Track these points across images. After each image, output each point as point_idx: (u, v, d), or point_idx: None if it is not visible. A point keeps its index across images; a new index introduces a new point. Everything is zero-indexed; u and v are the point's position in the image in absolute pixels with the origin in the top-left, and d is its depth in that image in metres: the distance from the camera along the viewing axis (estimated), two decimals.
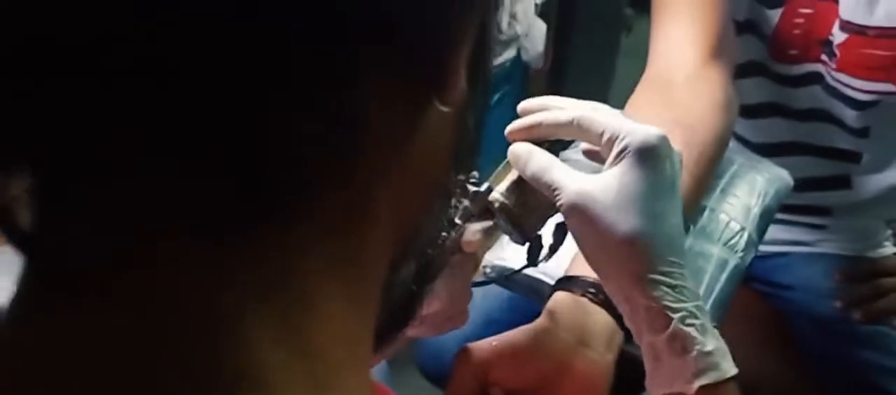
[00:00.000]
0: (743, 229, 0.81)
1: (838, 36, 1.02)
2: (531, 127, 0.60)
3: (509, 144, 0.93)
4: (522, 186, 0.58)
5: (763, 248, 1.24)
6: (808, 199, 1.19)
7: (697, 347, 0.52)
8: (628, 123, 0.55)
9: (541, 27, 1.41)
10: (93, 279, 0.26)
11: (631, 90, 0.90)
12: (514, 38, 1.36)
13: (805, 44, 1.05)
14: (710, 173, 0.81)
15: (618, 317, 0.67)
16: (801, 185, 1.18)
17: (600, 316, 0.66)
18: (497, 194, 0.58)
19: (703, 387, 0.52)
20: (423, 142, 0.30)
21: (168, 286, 0.25)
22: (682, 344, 0.52)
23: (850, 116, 1.09)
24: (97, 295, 0.26)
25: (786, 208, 1.21)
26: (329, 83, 0.25)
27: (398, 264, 0.34)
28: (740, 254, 0.80)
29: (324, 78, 0.25)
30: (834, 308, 1.18)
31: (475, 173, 0.56)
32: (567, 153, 0.91)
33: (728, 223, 0.82)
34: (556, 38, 1.60)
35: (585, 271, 0.69)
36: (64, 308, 0.26)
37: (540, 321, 0.65)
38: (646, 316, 0.53)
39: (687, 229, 0.80)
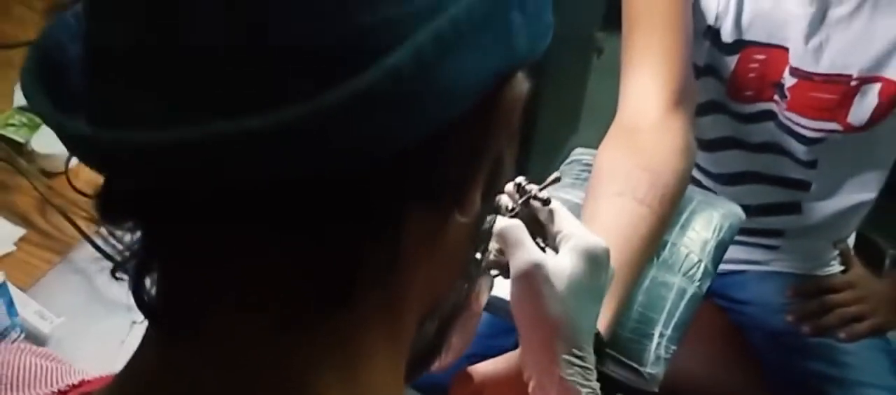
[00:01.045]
0: (700, 260, 0.93)
1: (788, 80, 1.13)
2: None
3: None
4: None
5: (723, 266, 1.35)
6: (763, 223, 1.31)
7: None
8: (584, 230, 0.65)
9: None
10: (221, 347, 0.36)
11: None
12: None
13: (759, 86, 1.16)
14: (673, 211, 0.92)
15: (594, 345, 0.77)
16: (757, 210, 1.30)
17: None
18: None
19: None
20: (447, 242, 0.40)
21: (269, 354, 0.36)
22: None
23: (800, 150, 1.21)
24: (217, 354, 0.36)
25: (743, 231, 1.32)
26: (385, 222, 0.36)
27: (424, 323, 0.44)
28: (698, 283, 0.91)
29: (383, 220, 0.35)
30: (786, 322, 1.29)
31: None
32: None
33: (687, 255, 0.93)
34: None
35: None
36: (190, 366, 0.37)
37: None
38: (558, 388, 0.63)
39: (651, 261, 0.91)
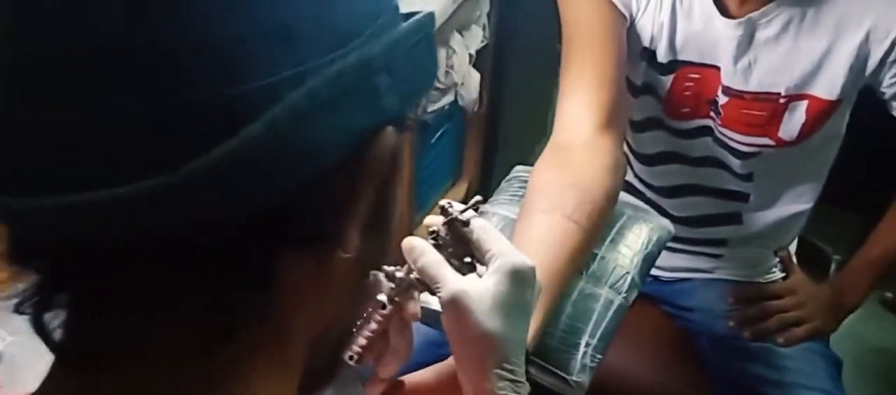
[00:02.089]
0: (628, 273, 0.98)
1: (721, 98, 1.19)
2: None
3: (447, 183, 1.08)
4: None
5: (669, 274, 1.42)
6: (705, 233, 1.37)
7: None
8: (510, 248, 0.70)
9: (475, 76, 1.58)
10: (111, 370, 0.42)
11: None
12: (452, 86, 1.53)
13: (696, 103, 1.22)
14: (601, 226, 0.98)
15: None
16: (700, 221, 1.36)
17: None
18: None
19: None
20: (332, 276, 0.46)
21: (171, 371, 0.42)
22: None
23: (736, 163, 1.26)
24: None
25: (688, 241, 1.39)
26: (256, 270, 0.41)
27: (317, 344, 0.49)
28: (624, 295, 0.97)
29: (253, 268, 0.41)
30: (728, 327, 1.35)
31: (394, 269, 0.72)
32: (486, 208, 1.07)
33: (615, 268, 0.98)
34: (493, 81, 1.76)
35: None
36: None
37: (450, 361, 0.80)
38: None
39: (580, 274, 0.97)
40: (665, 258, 1.40)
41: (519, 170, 1.13)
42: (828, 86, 1.15)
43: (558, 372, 0.90)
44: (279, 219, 0.40)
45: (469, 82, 1.55)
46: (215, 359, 0.42)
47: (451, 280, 0.68)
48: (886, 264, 1.34)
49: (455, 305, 0.68)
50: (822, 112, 1.18)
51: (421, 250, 0.71)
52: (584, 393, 0.92)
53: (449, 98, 1.55)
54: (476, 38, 1.56)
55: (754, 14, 1.12)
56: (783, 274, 1.40)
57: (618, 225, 1.03)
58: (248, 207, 0.37)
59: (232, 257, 0.39)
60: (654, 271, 1.41)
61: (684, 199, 1.33)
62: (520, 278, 0.69)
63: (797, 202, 1.34)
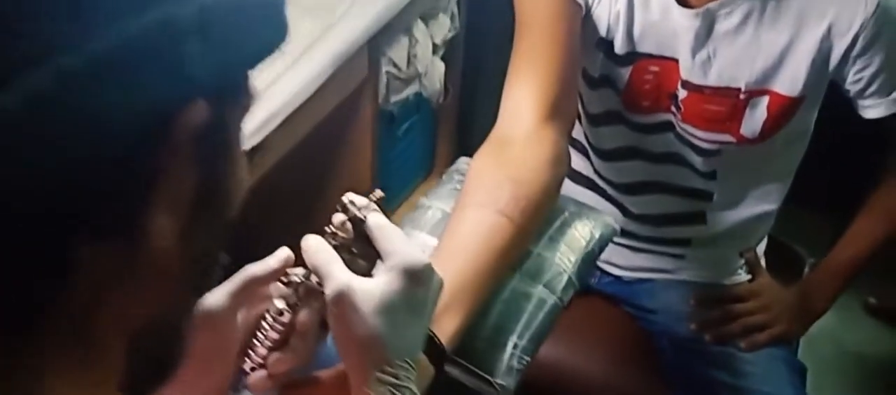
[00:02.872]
0: (564, 272, 0.94)
1: (681, 92, 1.15)
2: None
3: (418, 178, 1.04)
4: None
5: (630, 274, 1.38)
6: (668, 232, 1.32)
7: None
8: (404, 246, 0.67)
9: (439, 67, 1.53)
10: None
11: None
12: (415, 77, 1.48)
13: (656, 96, 1.18)
14: (536, 221, 0.93)
15: (433, 356, 0.79)
16: (662, 220, 1.32)
17: None
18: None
19: None
20: (145, 266, 0.42)
21: None
22: None
23: (697, 161, 1.22)
24: None
25: (650, 240, 1.34)
26: (50, 262, 0.37)
27: (140, 341, 0.45)
28: (559, 295, 0.92)
29: (46, 260, 0.37)
30: (690, 330, 1.31)
31: (299, 271, 0.68)
32: (423, 200, 1.03)
33: (551, 266, 0.94)
34: (465, 72, 1.72)
35: None
36: None
37: None
38: None
39: (513, 272, 0.93)
40: (627, 258, 1.36)
41: (462, 161, 1.08)
42: (790, 81, 1.11)
43: (482, 374, 0.86)
44: (69, 201, 0.36)
45: (432, 73, 1.51)
46: (8, 358, 0.39)
47: (337, 276, 0.65)
48: (856, 269, 1.29)
49: (339, 302, 0.64)
50: (784, 109, 1.14)
51: (315, 247, 0.67)
52: None
53: (413, 89, 1.51)
54: (443, 27, 1.52)
55: (713, 5, 1.08)
56: (749, 276, 1.35)
57: (558, 222, 0.98)
58: (26, 186, 0.34)
59: (20, 244, 0.35)
60: (615, 271, 1.38)
61: (645, 196, 1.29)
62: (412, 278, 0.66)
63: (763, 202, 1.29)
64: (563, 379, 1.34)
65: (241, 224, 0.69)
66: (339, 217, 0.69)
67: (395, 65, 1.44)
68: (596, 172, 1.30)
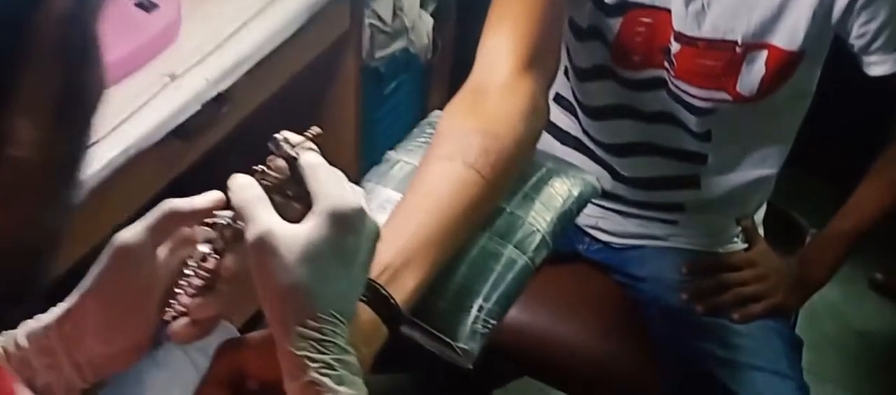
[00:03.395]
0: (536, 231, 0.87)
1: (674, 45, 1.08)
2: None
3: (397, 140, 0.99)
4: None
5: (620, 241, 1.31)
6: (660, 197, 1.26)
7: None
8: (335, 188, 0.60)
9: (426, 20, 1.46)
10: None
11: None
12: (401, 31, 1.42)
13: (648, 50, 1.11)
14: (509, 177, 0.87)
15: (386, 317, 0.73)
16: (654, 183, 1.25)
17: (363, 313, 0.72)
18: None
19: None
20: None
21: None
22: (314, 393, 0.57)
23: (691, 120, 1.15)
24: None
25: (640, 205, 1.28)
26: None
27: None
28: (530, 255, 0.86)
29: None
30: (681, 300, 1.24)
31: (227, 214, 0.62)
32: (390, 154, 0.97)
33: (523, 225, 0.87)
34: (458, 28, 1.65)
35: None
36: None
37: None
38: (287, 362, 0.59)
39: (482, 230, 0.86)
40: (616, 224, 1.30)
41: (434, 114, 1.02)
42: (789, 35, 1.04)
43: (443, 337, 0.80)
44: None
45: (420, 27, 1.44)
46: None
47: (259, 219, 0.59)
48: (859, 238, 1.22)
49: (259, 248, 0.58)
50: (783, 64, 1.06)
51: (240, 185, 0.61)
52: (472, 362, 0.81)
53: (400, 44, 1.45)
54: None
55: None
56: (745, 245, 1.28)
57: (534, 179, 0.92)
58: None
59: None
60: (604, 238, 1.32)
61: (636, 158, 1.22)
62: (340, 223, 0.59)
63: (761, 167, 1.22)
64: (549, 348, 1.28)
65: (214, 187, 0.64)
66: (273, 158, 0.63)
67: (379, 18, 1.37)
68: (584, 131, 1.23)
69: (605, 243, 1.32)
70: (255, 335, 0.69)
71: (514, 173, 0.88)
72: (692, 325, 1.22)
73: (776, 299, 1.23)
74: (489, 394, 1.62)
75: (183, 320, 0.63)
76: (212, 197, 0.63)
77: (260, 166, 0.62)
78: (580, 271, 1.33)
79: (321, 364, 0.58)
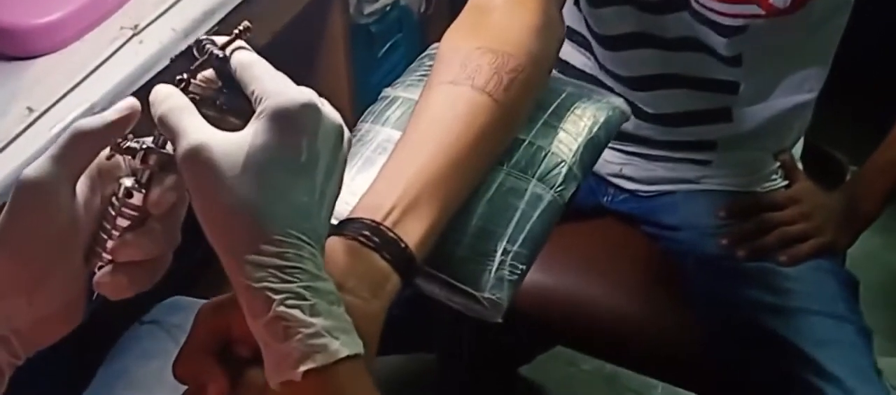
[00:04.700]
0: (563, 162, 0.76)
1: None
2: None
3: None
4: None
5: (648, 188, 1.20)
6: (689, 134, 1.14)
7: (302, 329, 0.47)
8: (278, 86, 0.49)
9: None
10: None
11: None
12: None
13: None
14: (525, 100, 0.75)
15: (396, 263, 0.62)
16: (681, 119, 1.13)
17: (370, 260, 0.61)
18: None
19: (314, 371, 0.47)
20: None
21: None
22: (283, 329, 0.47)
23: (720, 43, 1.03)
24: None
25: (668, 145, 1.16)
26: None
27: None
28: (558, 189, 0.74)
29: None
30: (719, 246, 1.13)
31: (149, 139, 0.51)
32: (388, 90, 0.86)
33: (546, 156, 0.76)
34: None
35: (367, 212, 0.64)
36: None
37: None
38: (246, 298, 0.48)
39: (499, 165, 0.75)
40: (642, 169, 1.18)
41: (433, 46, 0.90)
42: None
43: (465, 288, 0.68)
44: None
45: None
46: None
47: (190, 132, 0.47)
48: None
49: (192, 165, 0.47)
50: None
51: (163, 95, 0.50)
52: (501, 314, 0.70)
53: None
54: None
55: None
56: (785, 182, 1.16)
57: (554, 105, 0.80)
58: None
59: None
60: (630, 186, 1.20)
61: (661, 92, 1.10)
62: (288, 123, 0.48)
63: (798, 92, 1.11)
64: (579, 312, 1.16)
65: None
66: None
67: None
68: (600, 66, 1.12)
69: (632, 192, 1.20)
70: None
71: (530, 97, 0.76)
72: (734, 272, 1.11)
73: (825, 237, 1.11)
74: (516, 372, 1.50)
75: (107, 269, 0.51)
76: (126, 105, 0.50)
77: (182, 75, 0.51)
78: (606, 225, 1.22)
79: (287, 295, 0.47)
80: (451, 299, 0.70)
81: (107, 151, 0.51)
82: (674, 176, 1.18)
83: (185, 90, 0.51)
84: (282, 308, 0.47)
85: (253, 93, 0.49)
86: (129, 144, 0.50)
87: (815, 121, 1.19)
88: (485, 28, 0.77)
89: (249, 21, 0.54)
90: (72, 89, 0.83)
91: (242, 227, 0.47)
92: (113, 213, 0.51)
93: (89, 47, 0.87)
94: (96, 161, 0.52)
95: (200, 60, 0.51)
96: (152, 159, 0.50)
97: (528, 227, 0.72)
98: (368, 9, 1.29)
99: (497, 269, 0.69)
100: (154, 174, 0.51)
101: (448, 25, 0.81)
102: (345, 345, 0.48)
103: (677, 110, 1.12)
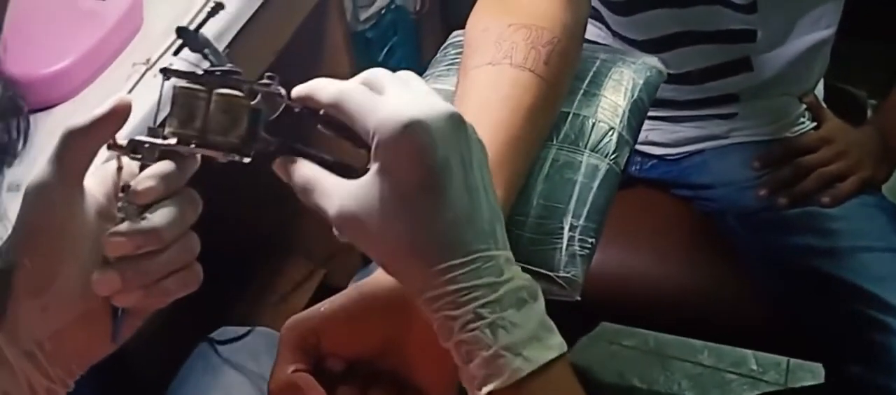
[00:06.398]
0: (611, 129, 0.73)
1: None
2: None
3: None
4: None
5: (675, 150, 1.17)
6: (711, 89, 1.12)
7: (482, 352, 0.46)
8: (381, 110, 0.47)
9: None
10: None
11: None
12: None
13: None
14: (565, 72, 0.73)
15: None
16: (702, 75, 1.11)
17: None
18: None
19: (500, 391, 0.46)
20: None
21: None
22: (465, 353, 0.47)
23: None
24: None
25: (691, 104, 1.14)
26: None
27: None
28: (612, 157, 0.72)
29: None
30: (758, 198, 1.10)
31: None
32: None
33: (594, 126, 0.73)
34: None
35: None
36: None
37: (372, 276, 0.57)
38: (436, 327, 0.48)
39: (548, 141, 0.72)
40: (668, 132, 1.16)
41: (454, 35, 0.87)
42: None
43: (540, 271, 0.66)
44: None
45: None
46: None
47: (334, 197, 0.49)
48: None
49: (348, 229, 0.49)
50: None
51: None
52: (579, 292, 0.67)
53: (384, 0, 1.30)
54: None
55: None
56: (813, 124, 1.15)
57: (591, 73, 0.78)
58: None
59: None
60: (656, 151, 1.18)
61: (677, 51, 1.08)
62: (405, 150, 0.47)
63: (815, 29, 1.09)
64: (624, 285, 1.13)
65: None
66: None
67: None
68: (614, 34, 1.09)
69: (660, 158, 1.18)
70: (327, 304, 0.55)
71: (569, 68, 0.74)
72: (779, 222, 1.09)
73: (864, 172, 1.09)
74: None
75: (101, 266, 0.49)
76: (115, 101, 0.48)
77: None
78: (638, 194, 1.19)
79: (465, 319, 0.47)
80: None
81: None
82: (701, 134, 1.16)
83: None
84: (461, 336, 0.47)
85: (361, 128, 0.48)
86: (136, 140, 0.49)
87: (830, 60, 1.17)
88: (513, 4, 0.75)
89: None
90: None
91: (406, 268, 0.48)
92: (121, 214, 0.48)
93: (105, 89, 0.85)
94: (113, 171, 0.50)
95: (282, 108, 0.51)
96: (143, 152, 0.49)
97: (590, 199, 0.69)
98: (365, 15, 1.26)
99: (567, 246, 0.67)
100: (146, 166, 0.49)
101: (440, 22, 0.79)
102: (529, 360, 0.46)
103: (697, 67, 1.10)
